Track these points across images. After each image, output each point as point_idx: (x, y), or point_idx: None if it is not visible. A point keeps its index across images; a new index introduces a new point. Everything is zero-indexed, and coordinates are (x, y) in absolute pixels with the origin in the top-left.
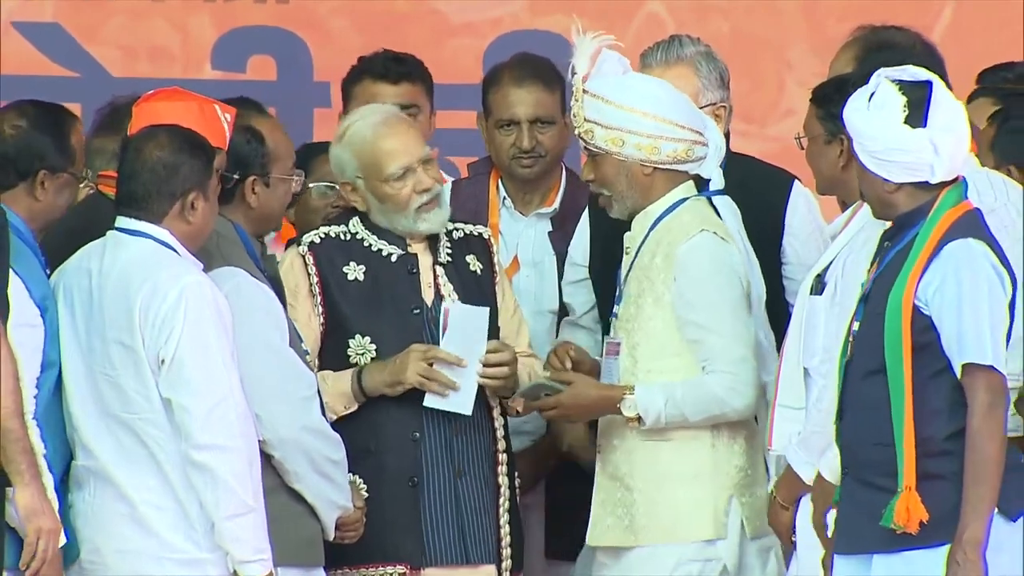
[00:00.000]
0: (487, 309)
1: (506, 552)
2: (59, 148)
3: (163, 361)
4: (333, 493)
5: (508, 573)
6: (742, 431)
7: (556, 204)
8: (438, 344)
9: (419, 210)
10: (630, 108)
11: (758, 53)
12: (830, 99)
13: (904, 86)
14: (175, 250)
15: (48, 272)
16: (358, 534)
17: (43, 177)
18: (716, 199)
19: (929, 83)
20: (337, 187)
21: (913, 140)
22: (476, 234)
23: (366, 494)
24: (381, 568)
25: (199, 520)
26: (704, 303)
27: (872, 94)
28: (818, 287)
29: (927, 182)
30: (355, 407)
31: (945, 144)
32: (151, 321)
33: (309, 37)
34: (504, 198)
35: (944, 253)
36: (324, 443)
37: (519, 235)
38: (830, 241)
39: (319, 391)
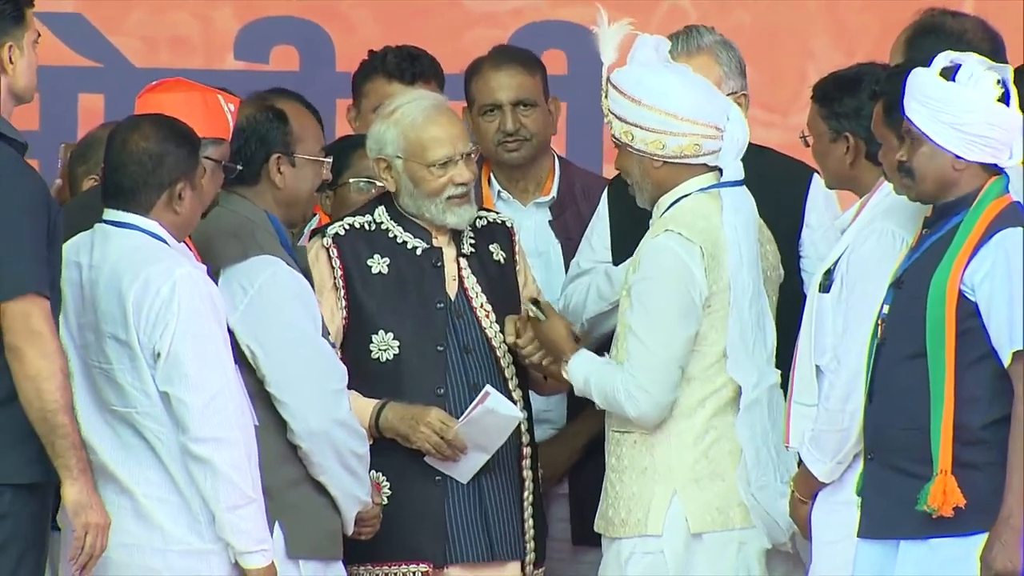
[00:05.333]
0: (520, 417)
1: (529, 546)
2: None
3: (158, 355)
4: (356, 487)
5: (531, 566)
6: (693, 423)
7: (553, 192)
8: (464, 373)
9: (449, 201)
10: (638, 101)
11: (780, 44)
12: (831, 97)
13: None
14: (165, 241)
15: None
16: (374, 530)
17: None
18: (727, 191)
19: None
20: (376, 182)
21: (1007, 119)
22: (500, 222)
23: (389, 491)
24: (404, 566)
25: (202, 512)
26: (640, 304)
27: (958, 69)
28: (826, 284)
29: (995, 164)
30: (369, 442)
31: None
32: (145, 315)
33: (332, 27)
34: (499, 191)
35: (995, 240)
36: (351, 436)
37: (519, 226)
38: (840, 235)
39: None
